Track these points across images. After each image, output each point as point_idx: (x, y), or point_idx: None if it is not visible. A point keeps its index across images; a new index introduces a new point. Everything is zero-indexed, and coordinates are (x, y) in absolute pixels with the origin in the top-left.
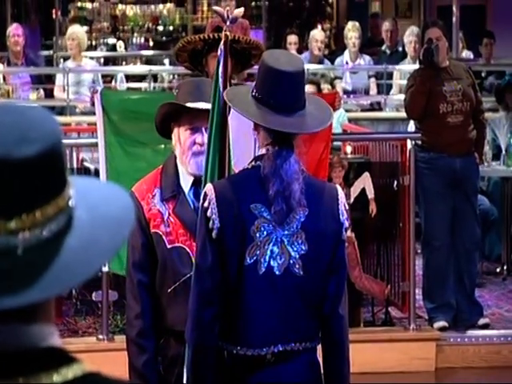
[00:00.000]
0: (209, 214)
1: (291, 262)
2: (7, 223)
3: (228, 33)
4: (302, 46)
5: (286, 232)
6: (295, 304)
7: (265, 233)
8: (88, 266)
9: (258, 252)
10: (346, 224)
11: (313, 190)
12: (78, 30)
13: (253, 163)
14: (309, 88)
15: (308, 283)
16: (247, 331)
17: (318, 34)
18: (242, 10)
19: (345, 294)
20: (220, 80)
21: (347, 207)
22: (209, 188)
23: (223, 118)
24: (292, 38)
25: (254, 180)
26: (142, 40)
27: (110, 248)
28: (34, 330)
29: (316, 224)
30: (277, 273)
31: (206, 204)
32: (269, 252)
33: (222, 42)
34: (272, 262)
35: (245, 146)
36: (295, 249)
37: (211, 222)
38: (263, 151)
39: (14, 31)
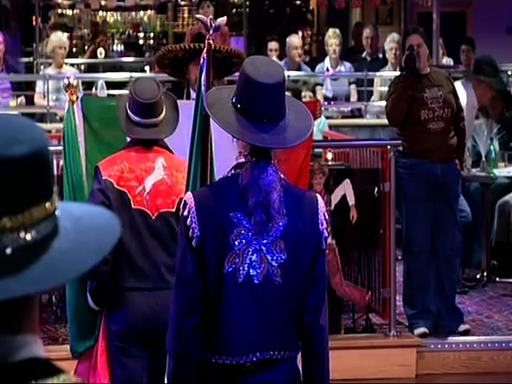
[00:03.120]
0: (188, 222)
1: (270, 270)
2: None
3: (211, 41)
4: (283, 53)
5: (265, 241)
6: (274, 312)
7: (244, 241)
8: (78, 265)
9: (237, 260)
10: (326, 233)
11: (292, 198)
12: (65, 39)
13: (232, 171)
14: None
15: (287, 292)
16: (226, 340)
17: (295, 41)
18: (224, 18)
19: (325, 304)
20: (203, 88)
21: (327, 216)
22: (188, 196)
23: (206, 125)
24: (273, 45)
25: (233, 189)
26: (123, 47)
27: (99, 250)
28: (19, 341)
29: (295, 233)
30: (255, 281)
31: (185, 213)
32: (248, 260)
33: (204, 50)
34: (251, 271)
35: (227, 151)
36: (274, 257)
37: (191, 230)
38: (241, 159)
39: None
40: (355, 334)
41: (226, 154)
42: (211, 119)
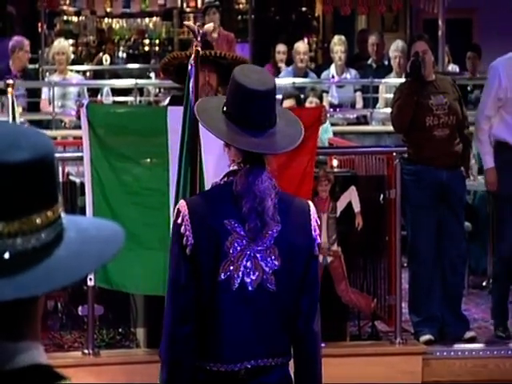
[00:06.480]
0: (182, 230)
1: (264, 277)
2: None
3: (199, 48)
4: (290, 59)
5: (260, 247)
6: (268, 319)
7: (238, 248)
8: (73, 272)
9: (231, 268)
10: (319, 240)
11: (285, 205)
12: (65, 44)
13: (225, 179)
14: (289, 102)
15: (281, 299)
16: (220, 347)
17: (301, 47)
18: (211, 25)
19: (318, 310)
20: (191, 95)
21: (319, 222)
22: (182, 204)
23: (195, 133)
24: (281, 47)
25: (226, 196)
26: (128, 54)
27: (98, 258)
28: (20, 347)
29: (289, 239)
30: (250, 288)
31: (179, 220)
32: (242, 268)
33: (191, 57)
34: (245, 278)
35: (217, 159)
36: (268, 264)
37: (185, 238)
38: (234, 167)
39: (27, 47)
40: (361, 341)
41: (215, 161)
42: (201, 127)
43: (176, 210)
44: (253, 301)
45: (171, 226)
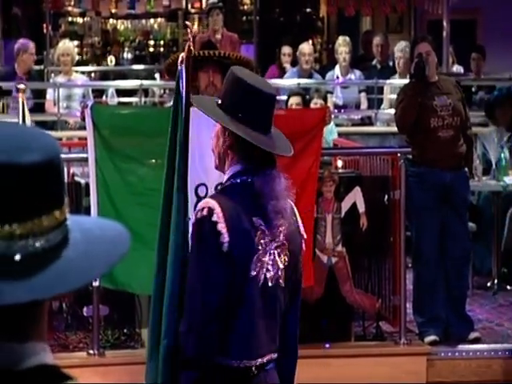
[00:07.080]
0: (219, 227)
1: (279, 273)
2: (5, 228)
3: (192, 48)
4: (295, 60)
5: (276, 244)
6: (276, 314)
7: (264, 245)
8: (84, 274)
9: (259, 264)
10: (305, 236)
11: None
12: (70, 46)
13: (237, 180)
14: (295, 100)
15: (285, 294)
16: (244, 343)
17: (306, 48)
18: (195, 26)
19: None
20: (183, 95)
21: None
22: (211, 203)
23: (186, 132)
24: (286, 49)
25: (247, 195)
26: (133, 54)
27: (107, 260)
28: (27, 348)
29: (293, 236)
30: (269, 284)
31: (214, 218)
32: (265, 264)
33: (181, 56)
34: (267, 274)
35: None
36: (282, 260)
37: (221, 236)
38: (238, 168)
39: (32, 50)
40: (365, 341)
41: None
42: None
43: (206, 209)
44: (270, 296)
45: (196, 226)
